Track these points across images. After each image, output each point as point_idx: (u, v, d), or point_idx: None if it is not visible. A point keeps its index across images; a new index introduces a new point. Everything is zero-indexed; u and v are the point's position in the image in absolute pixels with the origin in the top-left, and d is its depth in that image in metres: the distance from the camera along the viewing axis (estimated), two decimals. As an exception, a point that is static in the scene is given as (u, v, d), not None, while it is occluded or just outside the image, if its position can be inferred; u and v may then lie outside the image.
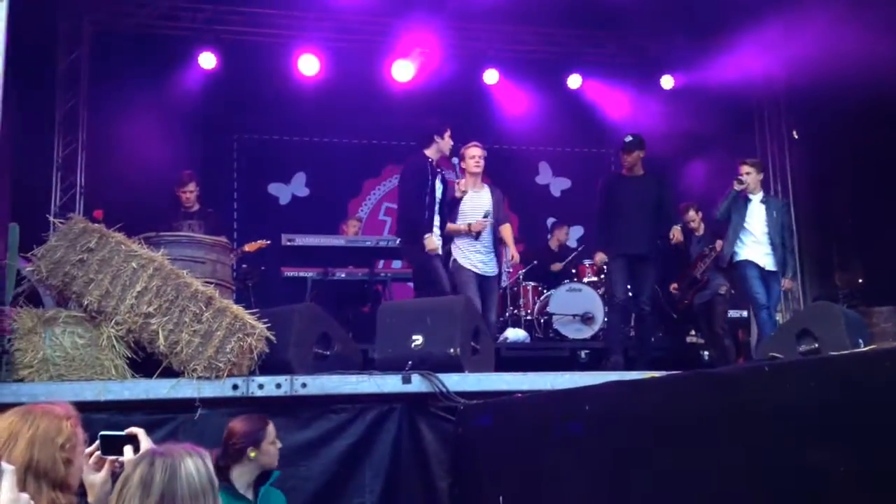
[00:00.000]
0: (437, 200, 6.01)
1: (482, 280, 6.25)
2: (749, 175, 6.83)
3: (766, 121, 10.12)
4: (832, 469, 1.63)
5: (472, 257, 6.25)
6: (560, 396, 3.22)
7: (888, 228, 7.73)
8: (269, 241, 7.40)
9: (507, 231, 6.56)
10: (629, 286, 6.82)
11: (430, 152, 6.07)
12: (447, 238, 6.22)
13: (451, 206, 6.27)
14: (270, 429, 3.67)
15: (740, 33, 8.37)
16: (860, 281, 8.31)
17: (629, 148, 6.79)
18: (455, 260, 6.24)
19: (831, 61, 7.72)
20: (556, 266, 8.74)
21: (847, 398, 1.61)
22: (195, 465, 1.94)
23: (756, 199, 6.89)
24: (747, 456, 2.00)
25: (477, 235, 6.22)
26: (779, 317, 8.17)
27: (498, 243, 6.50)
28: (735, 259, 6.81)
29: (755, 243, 6.76)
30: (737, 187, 6.77)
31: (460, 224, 6.28)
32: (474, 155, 6.36)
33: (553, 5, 8.78)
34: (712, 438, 2.16)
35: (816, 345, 4.87)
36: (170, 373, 4.29)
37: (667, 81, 9.90)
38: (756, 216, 6.82)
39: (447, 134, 6.10)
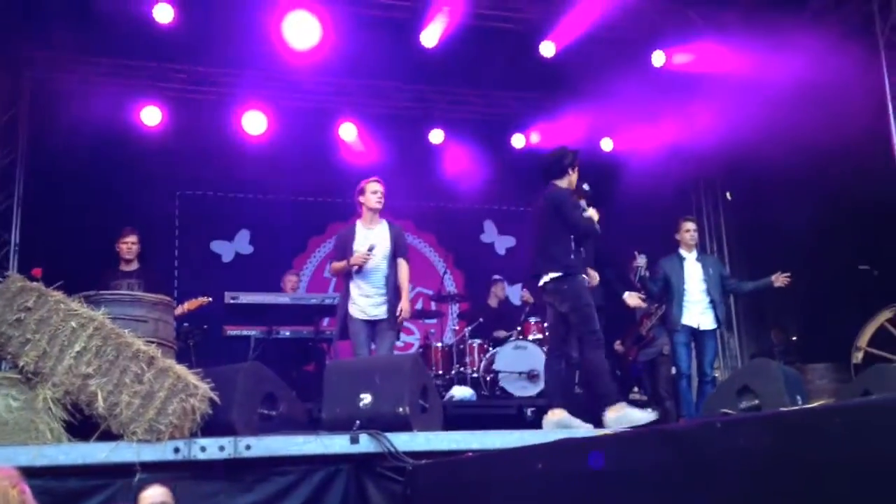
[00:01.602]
0: None
1: (372, 325, 5.98)
2: (688, 232, 7.05)
3: (702, 181, 10.50)
4: None
5: (360, 302, 5.99)
6: (511, 455, 3.21)
7: (821, 286, 8.01)
8: (210, 299, 7.27)
9: (402, 270, 6.13)
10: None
11: (564, 184, 5.64)
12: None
13: (343, 246, 6.09)
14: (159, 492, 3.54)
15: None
16: (794, 338, 8.55)
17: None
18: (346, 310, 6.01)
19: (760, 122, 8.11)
20: (500, 333, 8.73)
21: (796, 453, 1.66)
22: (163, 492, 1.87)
23: (691, 257, 7.10)
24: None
25: (358, 270, 5.97)
26: (717, 373, 8.35)
27: (395, 285, 6.10)
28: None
29: (692, 303, 6.92)
30: (639, 262, 6.95)
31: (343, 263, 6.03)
32: (376, 190, 6.12)
33: (499, 69, 9.02)
34: (665, 494, 2.18)
35: (757, 401, 4.98)
36: (108, 436, 4.14)
37: (607, 144, 10.21)
38: (693, 275, 7.01)
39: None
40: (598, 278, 6.31)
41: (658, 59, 8.75)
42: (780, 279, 6.88)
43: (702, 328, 6.89)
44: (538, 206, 5.65)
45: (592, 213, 5.60)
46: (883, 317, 6.99)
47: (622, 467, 2.29)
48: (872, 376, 5.30)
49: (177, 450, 4.10)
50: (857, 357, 6.93)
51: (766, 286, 7.03)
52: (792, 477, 1.74)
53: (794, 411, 1.89)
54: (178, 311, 7.08)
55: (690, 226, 7.14)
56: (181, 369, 4.28)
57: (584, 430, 5.07)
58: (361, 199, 6.19)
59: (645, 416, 5.03)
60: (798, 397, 5.02)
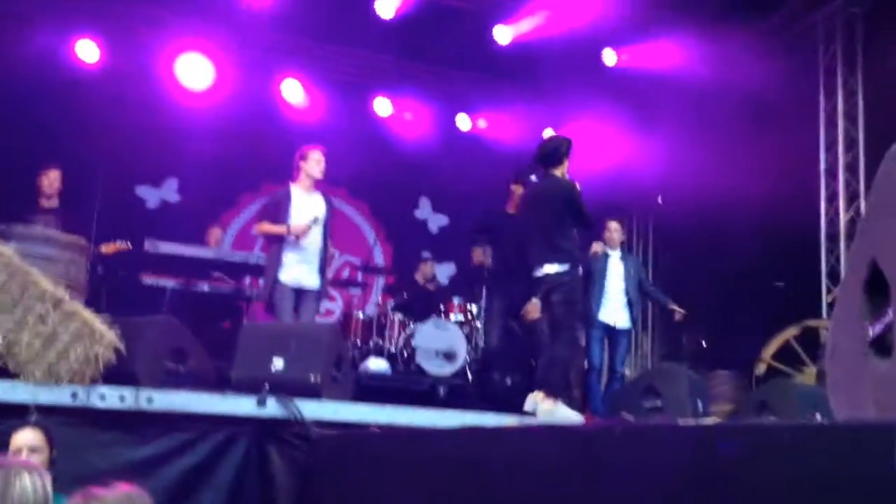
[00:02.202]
0: None
1: (301, 295, 5.91)
2: (615, 232, 7.23)
3: (636, 183, 10.68)
4: None
5: (294, 270, 5.88)
6: (415, 436, 3.22)
7: (736, 298, 8.29)
8: (130, 245, 7.05)
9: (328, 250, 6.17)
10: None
11: (559, 173, 5.62)
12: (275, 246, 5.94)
13: (276, 209, 5.99)
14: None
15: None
16: (704, 344, 8.81)
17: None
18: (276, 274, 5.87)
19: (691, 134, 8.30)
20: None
21: (693, 469, 1.70)
22: (31, 482, 1.81)
23: (615, 255, 7.29)
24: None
25: (296, 239, 5.89)
26: (627, 371, 8.56)
27: (326, 259, 6.12)
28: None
29: (611, 301, 7.08)
30: (597, 249, 7.10)
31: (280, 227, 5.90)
32: (320, 160, 6.06)
33: (454, 48, 8.98)
34: (559, 493, 2.21)
35: (659, 402, 5.13)
36: (4, 375, 4.00)
37: (548, 133, 10.26)
38: (614, 273, 7.19)
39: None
40: None
41: (609, 57, 8.83)
42: (678, 314, 7.26)
43: (617, 326, 7.07)
44: (538, 193, 5.62)
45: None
46: (789, 333, 7.26)
47: (522, 460, 2.31)
48: (771, 389, 5.51)
49: (75, 395, 3.99)
50: (760, 369, 7.19)
51: (665, 307, 7.41)
52: (684, 490, 1.79)
53: (698, 426, 1.94)
54: (99, 251, 6.85)
55: (615, 225, 7.36)
56: (88, 315, 4.15)
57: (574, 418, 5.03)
58: (303, 164, 6.07)
59: (575, 417, 5.07)
60: (699, 402, 5.18)
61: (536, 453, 2.35)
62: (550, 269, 5.29)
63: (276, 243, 5.99)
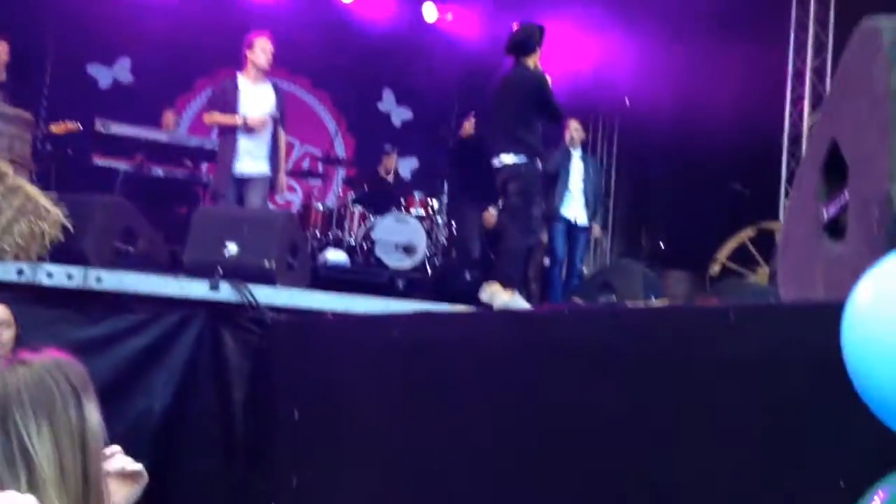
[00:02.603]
0: None
1: (248, 183, 5.77)
2: (576, 132, 7.21)
3: (605, 83, 10.53)
4: (608, 405, 1.71)
5: (245, 160, 5.75)
6: (369, 321, 3.21)
7: (695, 199, 8.34)
8: (80, 126, 6.79)
9: (281, 140, 6.04)
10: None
11: (531, 62, 5.34)
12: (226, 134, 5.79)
13: (224, 98, 5.80)
14: (1, 310, 3.35)
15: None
16: (662, 244, 8.91)
17: None
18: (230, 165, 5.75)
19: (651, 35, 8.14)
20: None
21: (637, 350, 1.69)
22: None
23: (576, 154, 7.30)
24: (539, 393, 2.07)
25: (249, 131, 5.73)
26: (586, 269, 8.64)
27: (277, 149, 5.98)
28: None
29: (572, 198, 7.13)
30: (567, 141, 7.08)
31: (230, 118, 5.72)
32: (267, 48, 5.83)
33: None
34: (509, 374, 2.22)
35: (614, 297, 5.19)
36: (-55, 250, 3.88)
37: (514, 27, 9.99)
38: (576, 171, 7.21)
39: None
40: None
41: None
42: (595, 231, 7.58)
43: (577, 222, 7.14)
44: (507, 82, 5.41)
45: None
46: (745, 234, 7.35)
47: (474, 344, 2.31)
48: (724, 287, 5.61)
49: (21, 271, 3.89)
50: (714, 269, 7.30)
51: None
52: (625, 369, 1.79)
53: (637, 308, 1.93)
54: (49, 131, 6.59)
55: (575, 124, 7.38)
56: (33, 190, 4.02)
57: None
58: (249, 53, 5.85)
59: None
60: (653, 298, 5.26)
61: (489, 336, 2.34)
62: (507, 159, 5.17)
63: (230, 134, 5.82)
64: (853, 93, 1.45)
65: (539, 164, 5.29)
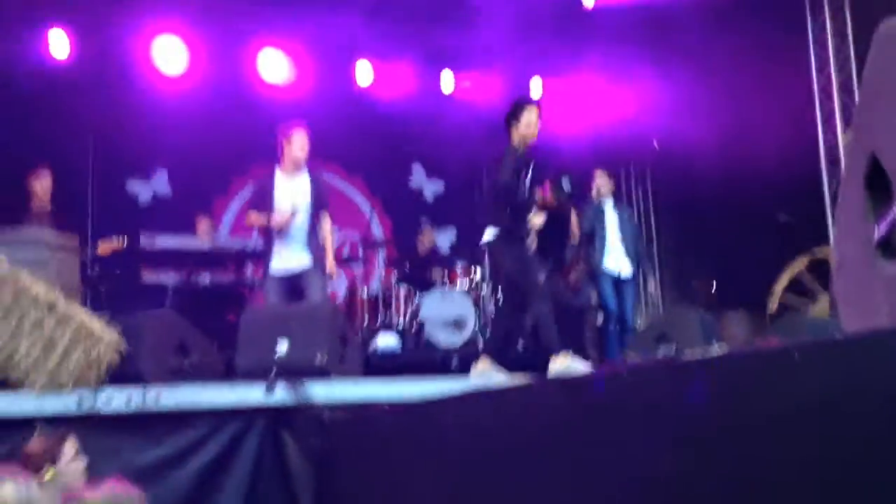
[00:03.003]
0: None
1: (294, 280, 5.72)
2: (604, 183, 7.14)
3: (634, 131, 10.52)
4: (672, 464, 1.63)
5: (283, 254, 5.72)
6: (422, 408, 3.15)
7: (741, 236, 8.17)
8: (124, 242, 6.94)
9: (325, 224, 5.95)
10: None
11: (513, 138, 5.36)
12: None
13: (262, 196, 5.82)
14: (69, 446, 3.36)
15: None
16: (714, 287, 8.72)
17: None
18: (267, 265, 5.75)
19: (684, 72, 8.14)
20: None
21: (701, 402, 1.62)
22: (15, 489, 1.74)
23: (608, 205, 7.22)
24: (601, 458, 1.99)
25: (279, 232, 5.72)
26: (639, 321, 8.48)
27: (316, 237, 5.89)
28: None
29: (612, 251, 7.03)
30: (594, 195, 7.03)
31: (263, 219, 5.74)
32: (301, 139, 5.82)
33: (430, 4, 8.78)
34: (572, 443, 2.14)
35: (674, 348, 5.05)
36: (6, 386, 3.94)
37: (535, 83, 10.11)
38: (611, 223, 7.14)
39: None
40: None
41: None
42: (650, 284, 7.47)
43: (622, 275, 7.02)
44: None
45: (536, 220, 5.37)
46: (798, 265, 7.16)
47: (531, 417, 2.24)
48: (785, 325, 5.43)
49: (80, 401, 3.93)
50: (773, 305, 7.11)
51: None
52: (688, 425, 1.71)
53: (691, 361, 1.85)
54: (94, 252, 6.73)
55: (601, 176, 7.32)
56: (85, 316, 4.07)
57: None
58: (285, 145, 5.88)
59: (582, 366, 5.00)
60: (714, 343, 5.11)
61: (544, 407, 2.27)
62: (487, 235, 5.25)
63: (266, 233, 5.89)
64: (885, 99, 1.38)
65: (510, 238, 5.23)
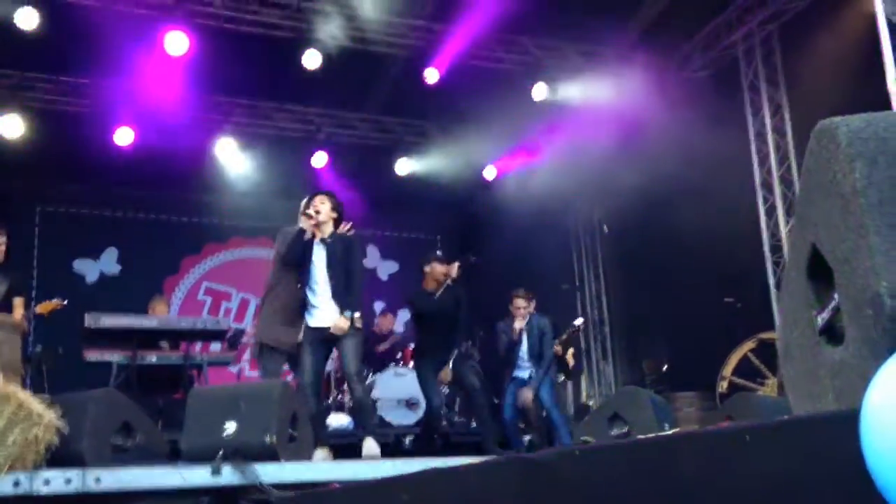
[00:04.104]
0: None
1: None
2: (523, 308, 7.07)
3: (581, 214, 10.78)
4: None
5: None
6: (377, 487, 3.09)
7: (690, 318, 8.32)
8: (64, 302, 6.71)
9: None
10: None
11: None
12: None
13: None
14: None
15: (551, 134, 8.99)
16: (665, 367, 8.82)
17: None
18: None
19: (630, 160, 8.44)
20: (383, 347, 8.64)
21: (654, 482, 1.63)
22: None
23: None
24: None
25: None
26: (592, 402, 8.50)
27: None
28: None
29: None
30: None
31: None
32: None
33: (384, 93, 9.01)
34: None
35: (627, 428, 5.06)
36: (-63, 470, 3.75)
37: (490, 172, 10.33)
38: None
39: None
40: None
41: (539, 92, 8.93)
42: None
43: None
44: None
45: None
46: (746, 347, 7.30)
47: (487, 496, 2.22)
48: (735, 404, 5.48)
49: (17, 483, 3.75)
50: (723, 386, 7.20)
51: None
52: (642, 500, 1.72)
53: (647, 439, 1.88)
54: (34, 313, 6.45)
55: (521, 302, 7.09)
56: (24, 396, 3.93)
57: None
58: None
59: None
60: (666, 424, 5.13)
61: (500, 486, 2.25)
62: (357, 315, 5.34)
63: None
64: (821, 195, 1.47)
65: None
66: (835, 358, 1.47)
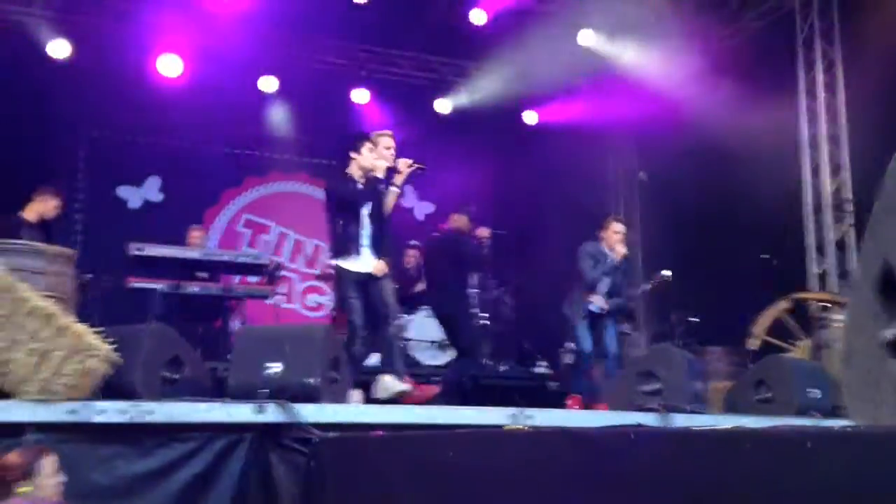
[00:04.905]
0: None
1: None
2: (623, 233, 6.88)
3: (619, 161, 10.70)
4: None
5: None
6: (424, 441, 3.21)
7: (724, 272, 8.32)
8: None
9: None
10: None
11: (351, 169, 5.49)
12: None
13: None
14: (47, 461, 3.36)
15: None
16: (695, 320, 8.84)
17: None
18: None
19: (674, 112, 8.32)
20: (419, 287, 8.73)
21: (707, 475, 1.69)
22: None
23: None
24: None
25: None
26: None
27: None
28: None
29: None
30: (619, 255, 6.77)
31: None
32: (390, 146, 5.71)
33: (428, 32, 8.90)
34: (569, 497, 2.21)
35: (659, 385, 5.15)
36: (0, 395, 3.95)
37: (530, 117, 10.25)
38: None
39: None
40: None
41: (585, 38, 8.78)
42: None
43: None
44: None
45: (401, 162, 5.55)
46: (781, 307, 7.29)
47: (536, 466, 2.30)
48: (767, 366, 5.54)
49: (73, 411, 3.93)
50: (754, 344, 7.22)
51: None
52: (695, 492, 1.79)
53: (704, 431, 1.94)
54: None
55: (621, 227, 6.91)
56: (81, 328, 4.09)
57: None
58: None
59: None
60: (698, 384, 5.21)
61: (550, 459, 2.34)
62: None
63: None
64: None
65: (343, 262, 5.35)
66: (899, 373, 1.51)
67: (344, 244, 5.42)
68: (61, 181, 8.61)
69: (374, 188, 5.46)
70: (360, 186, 5.47)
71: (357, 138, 5.62)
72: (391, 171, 5.61)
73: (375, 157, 5.51)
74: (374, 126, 9.94)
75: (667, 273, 7.45)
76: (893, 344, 1.56)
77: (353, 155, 5.51)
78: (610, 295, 6.76)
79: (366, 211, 5.46)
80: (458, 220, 6.96)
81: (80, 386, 4.01)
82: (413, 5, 8.49)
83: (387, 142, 5.69)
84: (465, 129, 10.06)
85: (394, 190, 5.61)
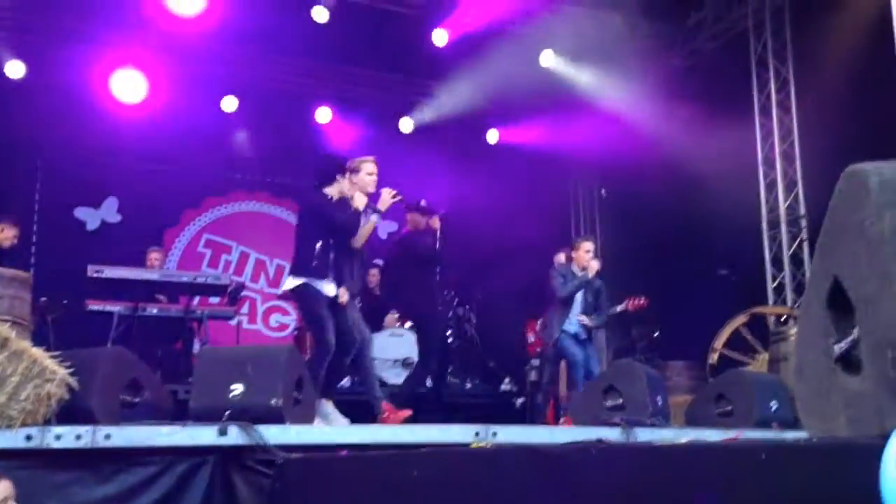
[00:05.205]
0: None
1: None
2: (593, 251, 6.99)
3: (581, 178, 10.84)
4: None
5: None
6: (387, 460, 3.20)
7: (684, 288, 8.45)
8: None
9: None
10: None
11: (333, 191, 5.46)
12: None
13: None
14: (1, 487, 3.29)
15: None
16: (655, 335, 8.95)
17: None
18: None
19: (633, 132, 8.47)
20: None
21: (662, 488, 1.72)
22: None
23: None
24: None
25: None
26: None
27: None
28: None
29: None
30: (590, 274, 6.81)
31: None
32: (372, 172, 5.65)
33: (392, 52, 8.95)
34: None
35: (621, 400, 5.19)
36: (-48, 422, 3.84)
37: (492, 136, 10.34)
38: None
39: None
40: None
41: (546, 59, 8.90)
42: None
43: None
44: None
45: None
46: (738, 321, 7.42)
47: (500, 483, 2.31)
48: (727, 380, 5.63)
49: (29, 437, 3.84)
50: (713, 358, 7.33)
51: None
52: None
53: (666, 446, 1.97)
54: None
55: (591, 246, 7.00)
56: (37, 352, 4.00)
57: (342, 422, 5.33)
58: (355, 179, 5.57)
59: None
60: (659, 398, 5.27)
61: (514, 475, 2.35)
62: (289, 284, 5.38)
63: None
64: (848, 234, 1.54)
65: (316, 289, 5.30)
66: (850, 386, 1.56)
67: (321, 266, 5.37)
68: (17, 203, 8.49)
69: (359, 217, 5.46)
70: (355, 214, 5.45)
71: (340, 164, 5.59)
72: (375, 197, 5.59)
73: (358, 186, 5.50)
74: (337, 145, 10.00)
75: (643, 300, 7.59)
76: (843, 358, 1.61)
77: (338, 178, 5.47)
78: (585, 313, 6.84)
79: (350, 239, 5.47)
80: (412, 220, 6.99)
81: (37, 412, 3.93)
82: (375, 25, 8.52)
83: (370, 168, 5.65)
84: (427, 148, 10.10)
85: (373, 219, 5.59)
